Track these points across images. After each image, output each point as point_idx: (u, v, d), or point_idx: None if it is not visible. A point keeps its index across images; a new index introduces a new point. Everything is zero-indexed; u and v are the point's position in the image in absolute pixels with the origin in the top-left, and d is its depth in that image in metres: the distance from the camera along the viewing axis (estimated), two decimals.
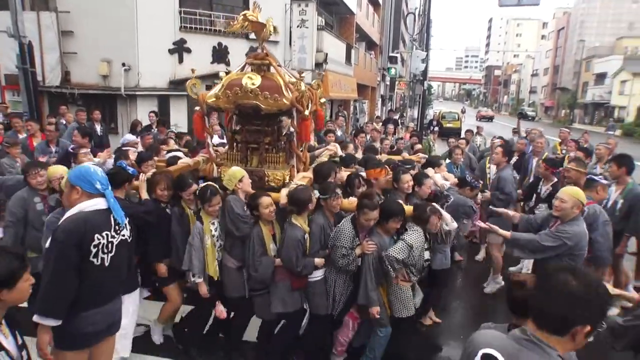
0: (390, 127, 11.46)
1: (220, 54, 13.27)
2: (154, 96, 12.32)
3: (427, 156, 6.51)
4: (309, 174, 4.70)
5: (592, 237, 4.33)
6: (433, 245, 4.44)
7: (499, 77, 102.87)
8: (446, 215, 4.28)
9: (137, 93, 11.99)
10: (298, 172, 4.82)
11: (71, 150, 6.16)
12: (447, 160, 7.75)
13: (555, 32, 71.55)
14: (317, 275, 4.04)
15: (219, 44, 13.26)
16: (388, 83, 32.41)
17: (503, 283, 6.10)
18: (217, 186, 4.15)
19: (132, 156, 5.28)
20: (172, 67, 12.59)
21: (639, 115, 40.88)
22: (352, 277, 4.07)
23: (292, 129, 4.75)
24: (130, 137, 7.47)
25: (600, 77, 53.35)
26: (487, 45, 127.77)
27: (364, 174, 4.90)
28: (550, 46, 73.55)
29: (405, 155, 6.66)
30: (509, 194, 5.98)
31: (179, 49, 12.57)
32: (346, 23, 22.23)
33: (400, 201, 4.24)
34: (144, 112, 11.74)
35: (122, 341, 3.91)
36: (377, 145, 8.53)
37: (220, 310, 4.15)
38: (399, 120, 20.73)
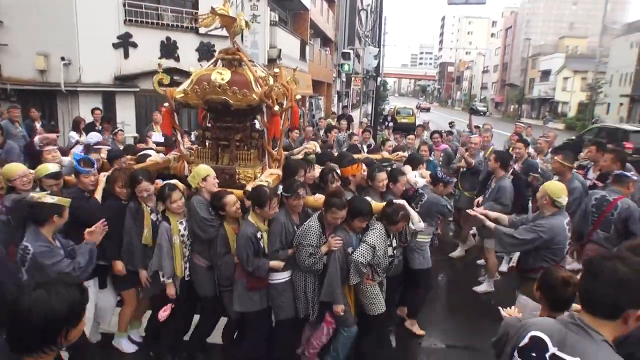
0: (344, 122, 11.48)
1: (168, 49, 12.79)
2: (97, 92, 11.71)
3: (406, 154, 6.40)
4: (278, 171, 4.64)
5: (633, 230, 4.43)
6: (397, 243, 4.29)
7: (452, 73, 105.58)
8: (414, 215, 4.17)
9: (78, 89, 11.34)
10: (270, 169, 4.77)
11: (38, 148, 5.94)
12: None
13: (504, 30, 74.15)
14: (281, 277, 3.91)
15: (167, 38, 12.78)
16: (344, 79, 32.51)
17: (493, 289, 6.16)
18: (174, 183, 4.10)
19: (103, 154, 5.23)
20: (117, 62, 12.02)
21: (580, 111, 43.16)
22: (320, 278, 3.94)
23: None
24: (96, 135, 7.03)
25: (545, 74, 56.07)
26: (441, 42, 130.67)
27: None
28: (499, 44, 76.20)
29: (385, 154, 6.53)
30: (506, 205, 5.71)
31: (124, 43, 12.01)
32: (300, 19, 22.05)
33: (370, 199, 4.15)
34: (87, 109, 11.11)
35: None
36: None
37: (164, 310, 3.97)
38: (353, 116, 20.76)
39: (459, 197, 7.55)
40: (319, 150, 6.09)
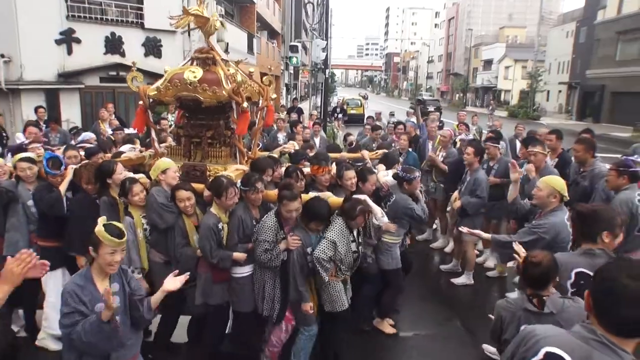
0: (294, 115, 11.60)
1: (113, 45, 12.62)
2: (40, 90, 11.44)
3: (387, 151, 6.20)
4: (244, 167, 4.62)
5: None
6: (362, 239, 4.19)
7: (398, 64, 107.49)
8: (376, 209, 4.11)
9: (20, 87, 11.05)
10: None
11: (24, 146, 5.93)
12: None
13: (447, 21, 76.25)
14: (243, 271, 3.93)
15: (112, 33, 12.60)
16: (292, 72, 32.68)
17: (473, 282, 6.18)
18: (134, 177, 4.17)
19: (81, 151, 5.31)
20: (61, 59, 11.77)
21: (521, 98, 44.60)
22: (280, 275, 3.88)
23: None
24: (88, 134, 7.26)
25: (488, 63, 58.14)
26: (386, 33, 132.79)
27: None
28: (443, 34, 78.32)
29: (365, 153, 6.13)
30: (482, 197, 5.73)
31: (67, 39, 11.77)
32: (247, 12, 22.06)
33: (326, 192, 4.20)
34: (30, 108, 10.83)
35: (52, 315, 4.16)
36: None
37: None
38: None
39: (435, 189, 7.41)
40: (297, 148, 6.06)
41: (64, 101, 11.98)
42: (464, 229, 4.28)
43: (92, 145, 6.07)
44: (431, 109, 28.83)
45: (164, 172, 4.08)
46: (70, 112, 12.10)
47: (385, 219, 4.17)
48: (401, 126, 9.06)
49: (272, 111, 5.44)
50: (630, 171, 4.36)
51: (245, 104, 4.42)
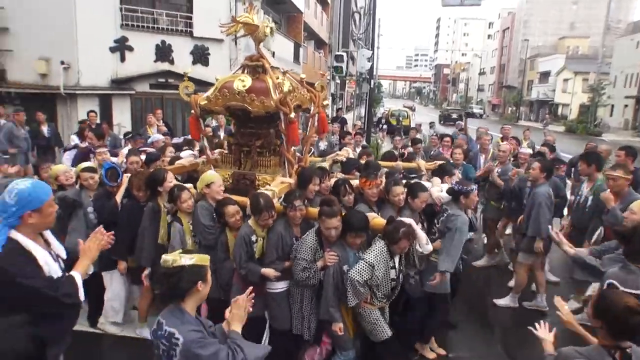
0: (336, 126, 11.34)
1: (163, 52, 13.11)
2: (94, 95, 12.05)
3: (443, 162, 5.85)
4: (289, 180, 4.53)
5: None
6: (404, 266, 3.88)
7: (448, 75, 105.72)
8: (421, 236, 3.86)
9: (77, 92, 11.69)
10: (290, 177, 4.70)
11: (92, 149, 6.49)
12: None
13: (501, 31, 74.19)
14: (278, 287, 3.84)
15: (162, 42, 13.08)
16: (338, 82, 32.77)
17: (517, 305, 5.70)
18: (182, 184, 4.28)
19: (142, 156, 5.58)
20: (114, 66, 12.35)
21: (581, 113, 42.04)
22: (318, 294, 3.74)
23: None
24: (158, 136, 7.71)
25: (545, 76, 55.62)
26: (436, 44, 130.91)
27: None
28: (496, 45, 76.26)
29: (421, 163, 5.92)
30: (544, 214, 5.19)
31: (121, 47, 12.34)
32: (294, 21, 22.35)
33: (371, 213, 3.93)
34: (85, 113, 11.44)
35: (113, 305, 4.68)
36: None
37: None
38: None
39: (485, 207, 7.03)
40: (351, 156, 5.92)
41: (116, 106, 12.55)
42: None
43: (153, 151, 6.31)
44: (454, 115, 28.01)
45: (208, 185, 4.09)
46: (122, 117, 12.66)
47: (430, 246, 3.92)
48: (448, 138, 8.53)
49: (324, 118, 5.30)
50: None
51: (292, 115, 4.34)
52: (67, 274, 2.53)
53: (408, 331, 4.29)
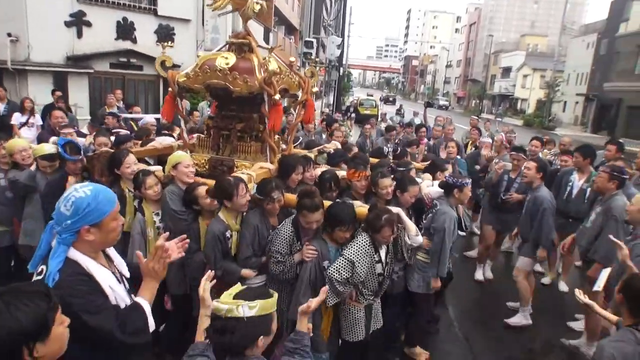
0: None
1: (125, 30, 12.40)
2: (48, 72, 11.26)
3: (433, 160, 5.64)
4: (269, 166, 4.19)
5: None
6: (392, 259, 3.60)
7: (417, 67, 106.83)
8: (410, 226, 3.57)
9: (27, 68, 10.87)
10: (272, 164, 4.34)
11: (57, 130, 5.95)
12: None
13: (468, 26, 75.48)
14: (255, 281, 3.52)
15: (124, 18, 12.38)
16: (317, 68, 32.37)
17: (531, 321, 5.13)
18: (148, 169, 3.90)
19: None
20: (70, 42, 11.58)
21: (538, 108, 44.46)
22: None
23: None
24: (149, 117, 7.28)
25: (506, 71, 57.52)
26: (406, 35, 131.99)
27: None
28: (463, 39, 77.64)
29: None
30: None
31: (77, 21, 11.56)
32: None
33: (355, 201, 3.67)
34: (36, 90, 10.71)
35: None
36: None
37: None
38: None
39: (483, 195, 6.84)
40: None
41: (72, 85, 11.81)
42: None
43: (125, 132, 5.90)
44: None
45: (175, 167, 3.74)
46: (79, 96, 11.93)
47: (420, 238, 3.63)
48: (424, 129, 8.81)
49: (312, 106, 4.94)
50: (622, 177, 4.48)
51: (277, 96, 4.00)
52: (134, 303, 2.04)
53: (386, 331, 3.95)
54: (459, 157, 6.80)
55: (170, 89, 4.32)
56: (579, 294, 2.98)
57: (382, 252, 3.43)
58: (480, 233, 6.71)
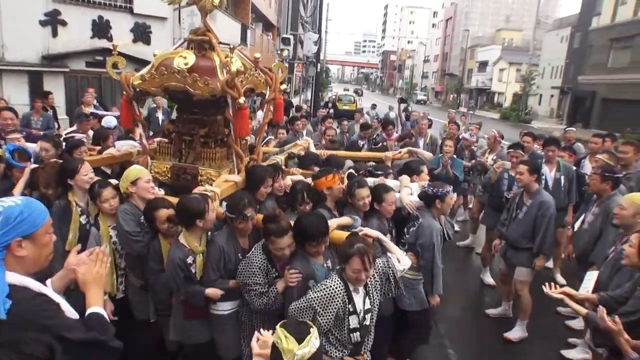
0: None
1: (100, 29, 12.33)
2: (23, 72, 11.13)
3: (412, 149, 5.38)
4: (235, 178, 3.83)
5: None
6: (373, 303, 2.87)
7: (395, 62, 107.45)
8: (394, 249, 3.12)
9: (2, 67, 10.73)
10: (239, 172, 4.05)
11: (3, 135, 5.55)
12: None
13: (444, 21, 76.25)
14: (225, 308, 3.20)
15: (100, 17, 12.30)
16: (287, 65, 32.42)
17: (527, 334, 4.89)
18: (105, 180, 3.55)
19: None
20: (45, 41, 11.45)
21: (514, 101, 45.08)
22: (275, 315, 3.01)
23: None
24: (110, 120, 6.73)
25: (483, 65, 58.27)
26: (384, 31, 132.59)
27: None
28: (439, 34, 78.40)
29: (389, 155, 5.26)
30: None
31: (52, 20, 11.43)
32: (241, 3, 21.70)
33: (332, 221, 3.24)
34: (11, 90, 10.65)
35: None
36: None
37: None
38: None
39: (482, 194, 6.85)
40: (312, 149, 5.27)
41: (48, 85, 11.63)
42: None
43: (81, 136, 5.54)
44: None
45: (134, 183, 3.38)
46: (55, 96, 11.76)
47: (408, 260, 3.11)
48: (391, 126, 8.64)
49: (281, 105, 4.58)
50: (615, 177, 4.34)
51: (242, 100, 3.64)
52: (92, 313, 1.83)
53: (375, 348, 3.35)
54: (454, 156, 6.34)
55: (124, 92, 3.95)
56: (548, 289, 2.95)
57: (359, 300, 2.74)
58: (485, 236, 6.52)
